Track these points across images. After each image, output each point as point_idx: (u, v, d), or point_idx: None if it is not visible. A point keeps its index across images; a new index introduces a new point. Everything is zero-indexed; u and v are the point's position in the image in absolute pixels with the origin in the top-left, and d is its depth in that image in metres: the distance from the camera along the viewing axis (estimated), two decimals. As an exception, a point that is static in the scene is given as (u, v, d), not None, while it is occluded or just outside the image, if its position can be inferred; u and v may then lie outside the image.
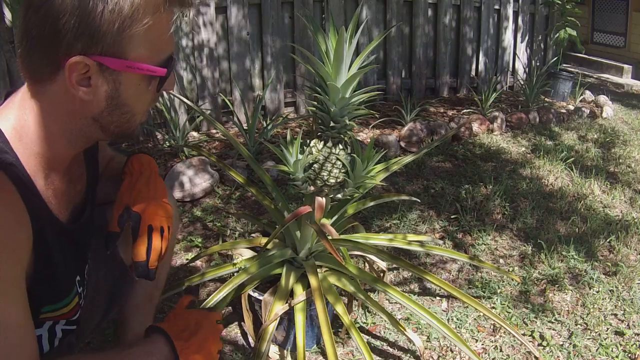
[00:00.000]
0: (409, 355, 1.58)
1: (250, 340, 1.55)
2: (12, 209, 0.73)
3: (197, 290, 1.75)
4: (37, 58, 0.75)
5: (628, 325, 1.75)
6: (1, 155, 0.75)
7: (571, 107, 4.37)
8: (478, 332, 1.68)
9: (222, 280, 1.65)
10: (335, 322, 1.61)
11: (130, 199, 1.00)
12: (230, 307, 1.69)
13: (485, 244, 2.21)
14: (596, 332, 1.70)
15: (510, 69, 4.85)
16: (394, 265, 1.87)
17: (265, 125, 3.07)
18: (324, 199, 1.31)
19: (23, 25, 0.74)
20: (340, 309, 1.36)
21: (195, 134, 3.19)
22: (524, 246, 2.21)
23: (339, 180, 1.28)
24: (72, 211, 0.94)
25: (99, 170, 1.07)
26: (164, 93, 2.95)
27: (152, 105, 0.86)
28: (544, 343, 1.64)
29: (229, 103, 3.28)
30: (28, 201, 0.77)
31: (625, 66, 6.14)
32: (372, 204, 1.68)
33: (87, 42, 0.72)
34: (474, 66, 4.58)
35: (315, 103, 1.27)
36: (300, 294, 1.39)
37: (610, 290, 1.93)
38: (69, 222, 0.92)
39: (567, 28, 4.44)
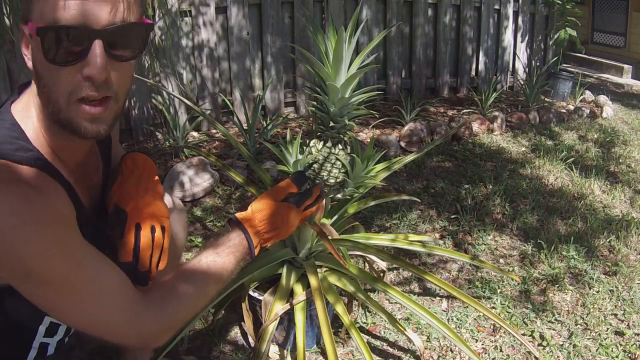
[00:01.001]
0: (409, 355, 1.58)
1: (250, 340, 1.55)
2: (51, 188, 0.78)
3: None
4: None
5: (628, 325, 1.75)
6: (25, 153, 0.78)
7: (571, 107, 4.37)
8: (478, 332, 1.68)
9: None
10: (335, 322, 1.61)
11: (119, 198, 0.96)
12: (230, 307, 1.69)
13: (485, 244, 2.21)
14: (596, 332, 1.70)
15: (510, 68, 4.85)
16: (394, 265, 1.87)
17: (265, 125, 3.07)
18: (323, 199, 1.31)
19: None
20: (340, 309, 1.36)
21: (195, 134, 3.19)
22: (524, 246, 2.21)
23: (338, 180, 1.28)
24: (91, 202, 0.96)
25: (112, 166, 1.09)
26: (164, 93, 2.96)
27: (72, 87, 0.74)
28: (544, 343, 1.64)
29: (229, 103, 3.28)
30: (64, 186, 0.82)
31: (625, 66, 6.13)
32: (372, 203, 1.68)
33: (23, 10, 0.76)
34: (474, 66, 4.58)
35: (315, 103, 1.27)
36: (300, 293, 1.39)
37: (610, 290, 1.93)
38: (91, 211, 0.95)
39: (567, 28, 4.44)
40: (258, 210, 1.00)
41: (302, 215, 1.07)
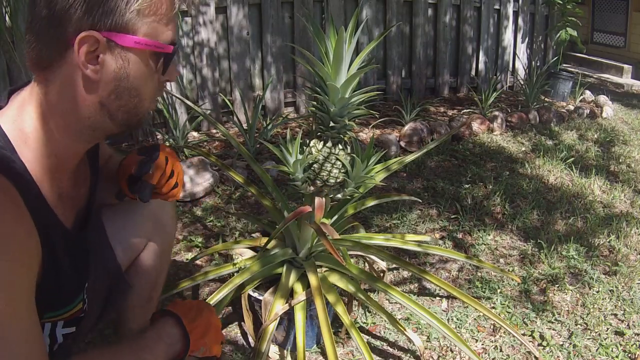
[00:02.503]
0: (409, 355, 1.58)
1: (250, 340, 1.55)
2: (22, 221, 0.72)
3: (198, 291, 1.75)
4: (47, 39, 0.74)
5: (628, 325, 1.75)
6: (10, 164, 0.74)
7: (571, 107, 4.37)
8: (478, 332, 1.68)
9: (222, 280, 1.65)
10: (335, 322, 1.61)
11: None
12: (230, 307, 1.69)
13: (485, 244, 2.21)
14: (596, 332, 1.70)
15: (511, 68, 4.85)
16: (394, 265, 1.87)
17: (265, 125, 3.07)
18: (323, 199, 1.31)
19: (32, 8, 0.74)
20: (340, 308, 1.36)
21: (195, 133, 3.19)
22: (524, 246, 2.21)
23: (338, 180, 1.28)
24: (77, 215, 0.94)
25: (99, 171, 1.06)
26: (164, 93, 2.95)
27: (159, 93, 0.86)
28: (544, 343, 1.64)
29: (229, 103, 3.28)
30: (35, 210, 0.75)
31: (625, 66, 6.14)
32: (372, 203, 1.68)
33: (96, 17, 0.72)
34: (474, 66, 4.58)
35: (315, 103, 1.27)
36: (300, 293, 1.39)
37: (610, 290, 1.93)
38: (74, 227, 0.92)
39: (567, 28, 4.44)
40: (191, 310, 1.02)
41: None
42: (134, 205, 1.14)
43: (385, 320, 1.68)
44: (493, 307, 1.80)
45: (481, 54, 4.54)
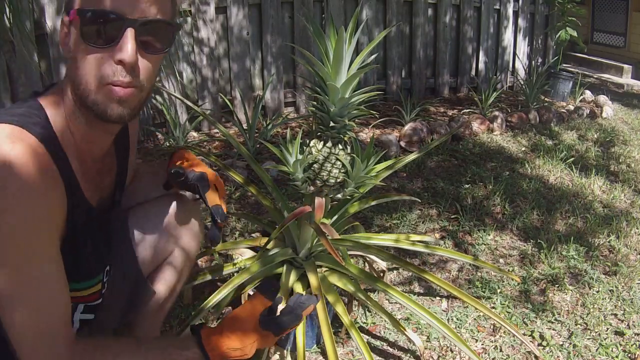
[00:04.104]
0: (409, 355, 1.58)
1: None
2: (48, 174, 0.79)
3: (198, 291, 1.75)
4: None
5: (628, 325, 1.75)
6: (43, 130, 0.82)
7: (571, 107, 4.37)
8: (478, 332, 1.68)
9: (222, 280, 1.65)
10: (335, 322, 1.61)
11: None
12: (230, 307, 1.69)
13: (485, 244, 2.21)
14: (596, 332, 1.70)
15: (511, 68, 4.85)
16: (394, 265, 1.87)
17: (265, 125, 3.07)
18: (323, 199, 1.31)
19: None
20: (340, 308, 1.36)
21: (195, 134, 3.19)
22: (524, 246, 2.21)
23: (338, 180, 1.28)
24: (100, 201, 0.98)
25: (127, 174, 1.11)
26: (164, 93, 2.95)
27: (106, 73, 0.80)
28: (544, 343, 1.64)
29: (229, 103, 3.28)
30: (66, 181, 0.83)
31: (625, 66, 6.13)
32: (372, 203, 1.68)
33: (66, 2, 0.83)
34: (474, 66, 4.58)
35: (315, 103, 1.27)
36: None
37: (610, 290, 1.93)
38: (97, 210, 0.96)
39: (567, 28, 4.44)
40: (229, 337, 0.92)
41: (276, 339, 0.98)
42: (166, 214, 1.18)
43: (385, 320, 1.68)
44: (493, 307, 1.80)
45: (481, 54, 4.54)
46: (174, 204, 1.19)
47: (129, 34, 0.78)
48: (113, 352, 0.85)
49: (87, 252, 0.93)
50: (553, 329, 1.72)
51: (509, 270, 2.03)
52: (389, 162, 1.67)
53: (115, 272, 1.09)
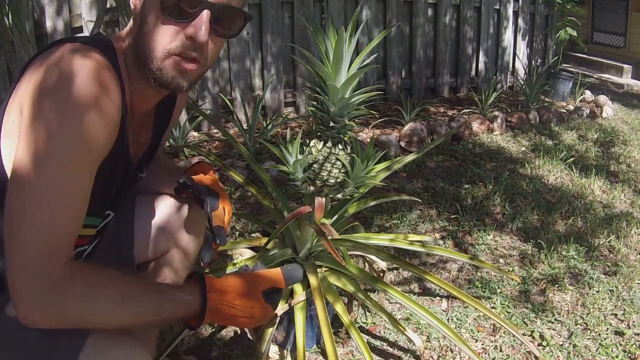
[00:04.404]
0: (409, 355, 1.58)
1: (250, 340, 1.55)
2: (114, 97, 0.81)
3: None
4: None
5: (628, 325, 1.75)
6: (116, 63, 0.85)
7: (571, 107, 4.37)
8: (478, 332, 1.68)
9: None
10: (335, 322, 1.61)
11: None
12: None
13: (485, 244, 2.21)
14: (596, 332, 1.70)
15: (510, 68, 4.85)
16: (394, 265, 1.87)
17: (265, 125, 3.07)
18: (323, 199, 1.31)
19: None
20: (340, 308, 1.36)
21: (195, 133, 3.19)
22: (524, 246, 2.21)
23: (338, 180, 1.28)
24: (134, 156, 0.99)
25: (160, 144, 1.13)
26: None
27: (176, 46, 0.84)
28: (544, 343, 1.64)
29: (229, 103, 3.28)
30: (122, 113, 0.85)
31: (625, 66, 6.13)
32: (372, 203, 1.68)
33: None
34: (474, 66, 4.58)
35: (315, 103, 1.27)
36: (300, 293, 1.39)
37: (610, 290, 1.93)
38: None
39: (567, 28, 4.44)
40: (234, 290, 0.90)
41: (266, 320, 0.97)
42: (173, 211, 1.18)
43: (385, 320, 1.68)
44: (493, 307, 1.80)
45: (481, 54, 4.54)
46: (183, 205, 1.19)
47: (205, 14, 0.82)
48: (107, 279, 0.80)
49: (105, 193, 0.92)
50: (553, 329, 1.72)
51: (509, 270, 2.03)
52: (387, 163, 1.67)
53: (109, 243, 1.09)
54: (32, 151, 0.73)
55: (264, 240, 1.56)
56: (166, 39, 0.83)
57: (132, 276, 0.86)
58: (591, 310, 1.80)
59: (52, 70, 0.75)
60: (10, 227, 0.74)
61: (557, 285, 1.94)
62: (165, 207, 1.18)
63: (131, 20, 0.90)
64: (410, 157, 1.73)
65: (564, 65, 5.34)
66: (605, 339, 1.67)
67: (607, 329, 1.72)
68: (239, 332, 1.62)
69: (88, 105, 0.75)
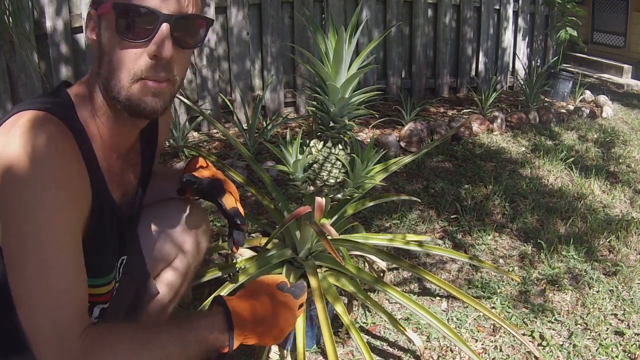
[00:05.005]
0: (409, 355, 1.58)
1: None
2: (74, 161, 0.79)
3: (197, 291, 1.75)
4: None
5: (628, 325, 1.75)
6: (72, 121, 0.82)
7: (571, 107, 4.37)
8: (478, 332, 1.68)
9: (222, 280, 1.65)
10: (335, 322, 1.61)
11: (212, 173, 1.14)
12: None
13: (485, 244, 2.21)
14: (596, 332, 1.70)
15: (510, 69, 4.85)
16: (394, 265, 1.87)
17: (265, 125, 3.08)
18: (323, 199, 1.31)
19: None
20: (340, 308, 1.36)
21: (195, 134, 3.19)
22: (524, 246, 2.21)
23: (338, 180, 1.28)
24: (123, 197, 0.97)
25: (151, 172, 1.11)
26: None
27: (142, 67, 0.80)
28: (544, 343, 1.64)
29: (229, 103, 3.29)
30: (90, 169, 0.82)
31: (625, 66, 6.13)
32: (372, 204, 1.68)
33: None
34: (474, 66, 4.58)
35: (315, 103, 1.27)
36: (300, 294, 1.38)
37: (610, 290, 1.93)
38: (120, 205, 0.95)
39: (567, 28, 4.44)
40: (247, 294, 0.89)
41: (296, 315, 0.94)
42: (175, 217, 1.18)
43: (385, 320, 1.68)
44: (493, 307, 1.80)
45: (481, 54, 4.54)
46: (183, 208, 1.18)
47: (165, 28, 0.79)
48: (123, 334, 0.80)
49: (109, 245, 0.92)
50: (553, 329, 1.72)
51: (508, 270, 2.03)
52: (388, 163, 1.67)
53: (124, 271, 1.09)
54: (11, 241, 0.74)
55: (264, 240, 1.56)
56: (129, 64, 0.80)
57: (149, 323, 0.89)
58: (591, 310, 1.80)
59: (4, 156, 0.73)
60: (21, 314, 0.75)
61: (557, 286, 1.94)
62: (165, 216, 1.18)
63: (91, 65, 0.89)
64: (409, 158, 1.73)
65: (564, 65, 5.34)
66: (605, 339, 1.66)
67: (607, 329, 1.72)
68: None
69: (50, 180, 0.74)
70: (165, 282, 1.20)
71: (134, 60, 0.80)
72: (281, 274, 1.45)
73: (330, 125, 1.25)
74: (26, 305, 0.74)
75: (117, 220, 0.93)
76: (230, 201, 1.11)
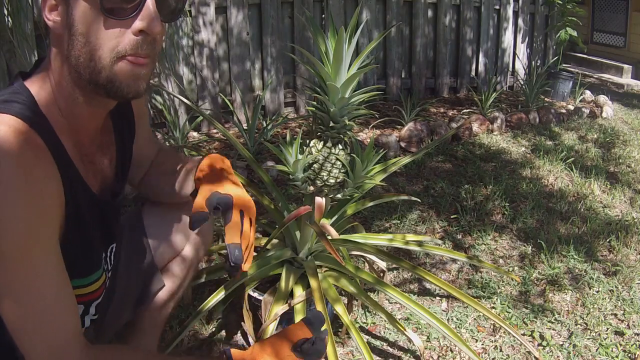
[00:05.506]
0: (409, 355, 1.58)
1: (250, 340, 1.55)
2: (41, 163, 0.74)
3: (197, 291, 1.75)
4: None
5: (628, 325, 1.75)
6: (32, 116, 0.76)
7: (571, 107, 4.37)
8: (478, 332, 1.68)
9: (222, 280, 1.65)
10: (335, 322, 1.61)
11: (219, 186, 0.98)
12: (230, 307, 1.69)
13: (485, 244, 2.21)
14: (596, 332, 1.70)
15: (510, 69, 4.85)
16: (394, 265, 1.87)
17: (265, 125, 3.08)
18: (323, 199, 1.31)
19: None
20: (340, 309, 1.36)
21: (195, 134, 3.19)
22: (524, 246, 2.21)
23: (338, 180, 1.28)
24: (102, 183, 0.93)
25: (133, 147, 1.05)
26: (164, 93, 2.95)
27: (126, 43, 0.76)
28: (544, 343, 1.64)
29: (229, 103, 3.29)
30: (60, 163, 0.78)
31: (625, 66, 6.13)
32: (371, 204, 1.68)
33: None
34: (474, 66, 4.58)
35: (315, 103, 1.27)
36: (300, 294, 1.39)
37: (610, 290, 1.93)
38: (100, 194, 0.92)
39: (567, 28, 4.44)
40: (259, 356, 0.83)
41: None
42: (180, 217, 1.17)
43: (385, 320, 1.68)
44: (493, 307, 1.80)
45: (481, 55, 4.54)
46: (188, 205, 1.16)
47: (151, 2, 0.75)
48: (129, 357, 0.81)
49: (92, 238, 0.89)
50: (553, 329, 1.72)
51: (508, 270, 2.03)
52: (388, 163, 1.67)
53: (128, 262, 1.09)
54: None
55: (264, 240, 1.56)
56: (112, 42, 0.75)
57: (161, 354, 0.84)
58: (591, 310, 1.80)
59: None
60: (16, 340, 0.74)
61: (557, 286, 1.94)
62: (171, 214, 1.18)
63: (52, 48, 0.80)
64: (407, 159, 1.74)
65: (564, 65, 5.34)
66: (605, 339, 1.67)
67: (607, 329, 1.72)
68: (239, 332, 1.62)
69: (19, 205, 0.70)
70: (168, 275, 1.20)
71: (117, 38, 0.75)
72: (281, 274, 1.45)
73: (330, 125, 1.25)
74: (17, 331, 0.73)
75: (99, 211, 0.90)
76: (232, 234, 0.93)
